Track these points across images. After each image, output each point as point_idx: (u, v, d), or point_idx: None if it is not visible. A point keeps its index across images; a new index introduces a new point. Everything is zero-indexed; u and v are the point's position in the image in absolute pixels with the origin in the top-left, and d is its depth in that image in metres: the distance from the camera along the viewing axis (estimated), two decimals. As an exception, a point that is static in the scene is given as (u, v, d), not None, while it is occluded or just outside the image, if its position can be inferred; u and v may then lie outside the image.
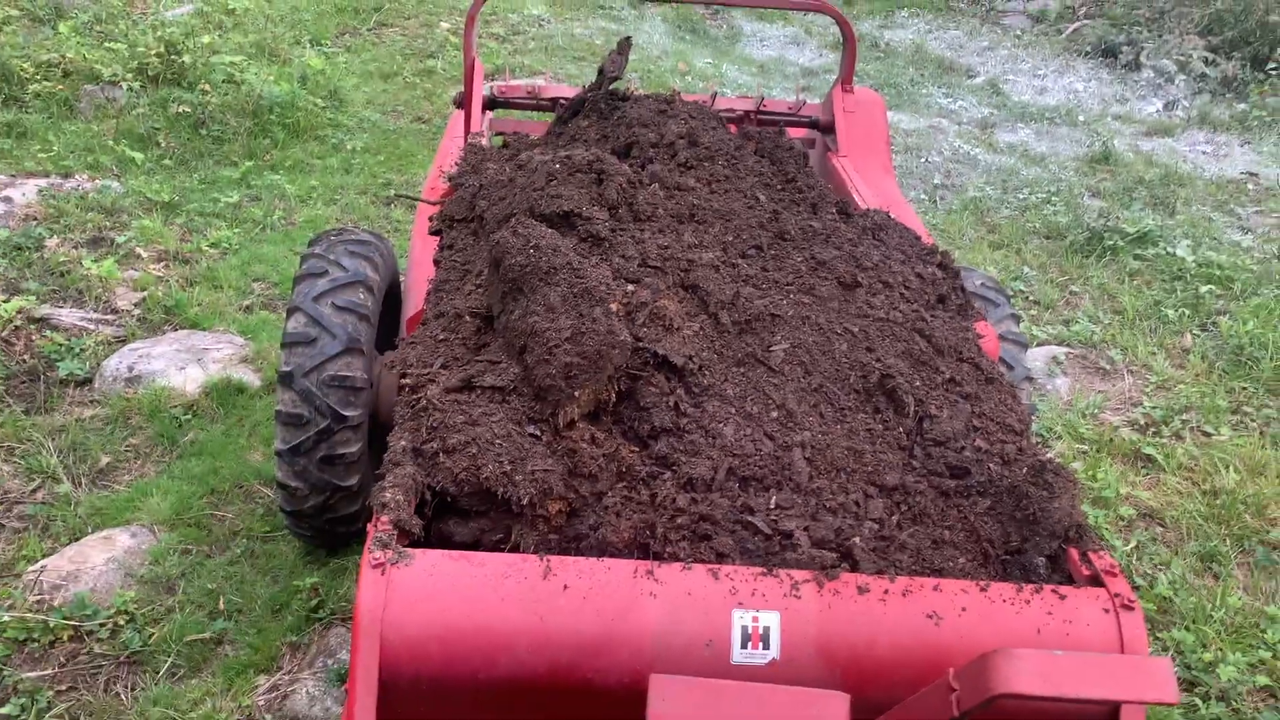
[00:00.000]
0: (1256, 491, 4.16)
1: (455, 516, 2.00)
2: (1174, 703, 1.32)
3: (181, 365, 4.44)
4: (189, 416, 4.21)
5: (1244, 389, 5.01)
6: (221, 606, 3.32)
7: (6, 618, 3.15)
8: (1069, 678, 1.27)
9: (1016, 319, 3.50)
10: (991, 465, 2.14)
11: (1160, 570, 3.78)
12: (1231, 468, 4.31)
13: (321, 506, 3.18)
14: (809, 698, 1.05)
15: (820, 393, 2.22)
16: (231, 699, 2.98)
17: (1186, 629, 3.47)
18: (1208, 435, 4.65)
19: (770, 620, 1.81)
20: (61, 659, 3.10)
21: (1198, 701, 3.18)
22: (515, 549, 1.93)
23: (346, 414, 2.97)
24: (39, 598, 3.26)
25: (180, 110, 6.67)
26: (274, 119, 6.89)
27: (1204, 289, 5.89)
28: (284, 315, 3.12)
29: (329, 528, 3.30)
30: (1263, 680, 3.29)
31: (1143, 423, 4.75)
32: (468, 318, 2.31)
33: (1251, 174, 8.14)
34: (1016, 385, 2.80)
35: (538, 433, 2.01)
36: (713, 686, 1.08)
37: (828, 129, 4.04)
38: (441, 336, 2.28)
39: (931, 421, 2.20)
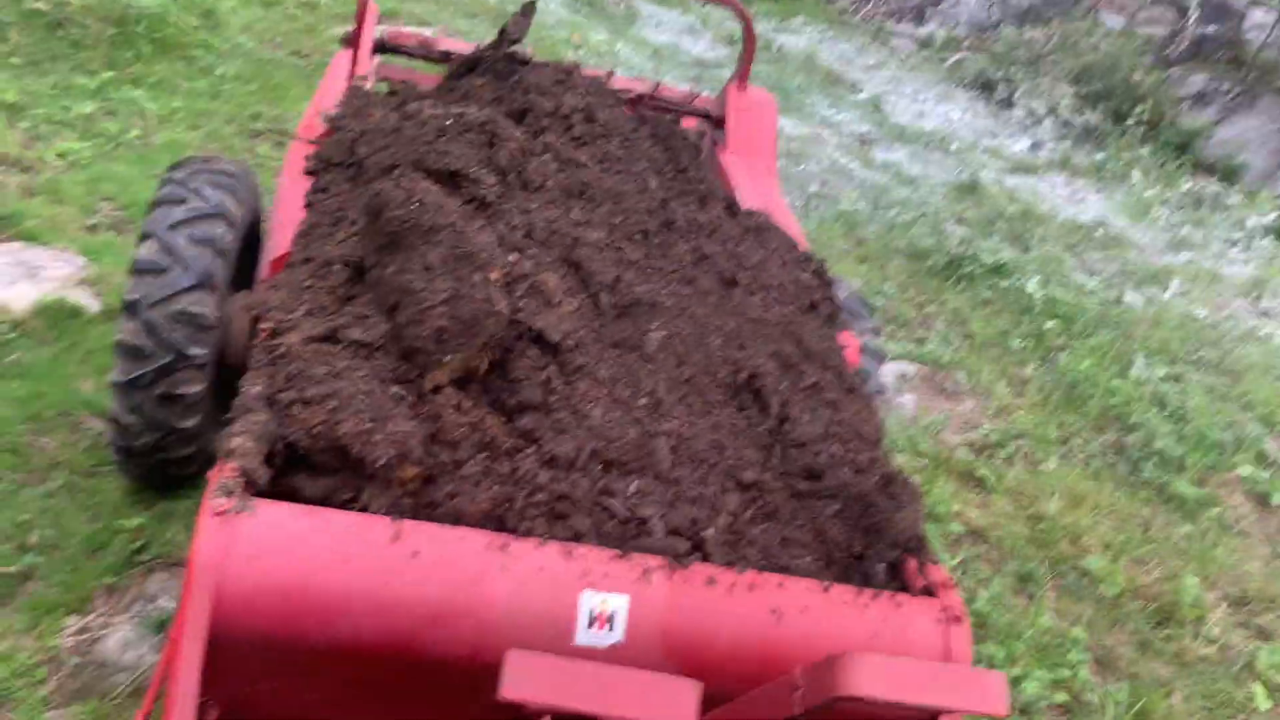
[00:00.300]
0: (1075, 520, 4.42)
1: (305, 472, 1.92)
2: (1003, 715, 1.38)
3: (11, 280, 4.14)
4: (14, 335, 3.93)
5: (1073, 423, 5.31)
6: (33, 540, 3.11)
7: None
8: (910, 684, 1.31)
9: (877, 332, 3.61)
10: (844, 472, 2.19)
11: (981, 586, 3.97)
12: (1055, 495, 4.57)
13: (155, 445, 3.02)
14: (663, 683, 1.05)
15: (690, 384, 2.24)
16: (35, 638, 2.80)
17: (999, 644, 3.66)
18: (1037, 463, 4.91)
19: (618, 604, 1.81)
20: None
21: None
22: (364, 511, 1.87)
23: (191, 352, 2.83)
24: None
25: (35, 7, 6.21)
26: (140, 31, 6.49)
27: (1048, 324, 6.21)
28: (134, 240, 2.94)
29: (161, 468, 3.14)
30: (1061, 697, 3.50)
31: (979, 445, 4.97)
32: (338, 266, 2.22)
33: (1100, 222, 8.62)
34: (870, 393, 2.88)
35: (402, 393, 1.95)
36: (569, 665, 1.07)
37: (719, 123, 4.07)
38: (307, 283, 2.19)
39: (793, 424, 2.24)
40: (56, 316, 4.04)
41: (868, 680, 1.17)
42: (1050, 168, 9.80)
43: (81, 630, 2.87)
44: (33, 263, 4.27)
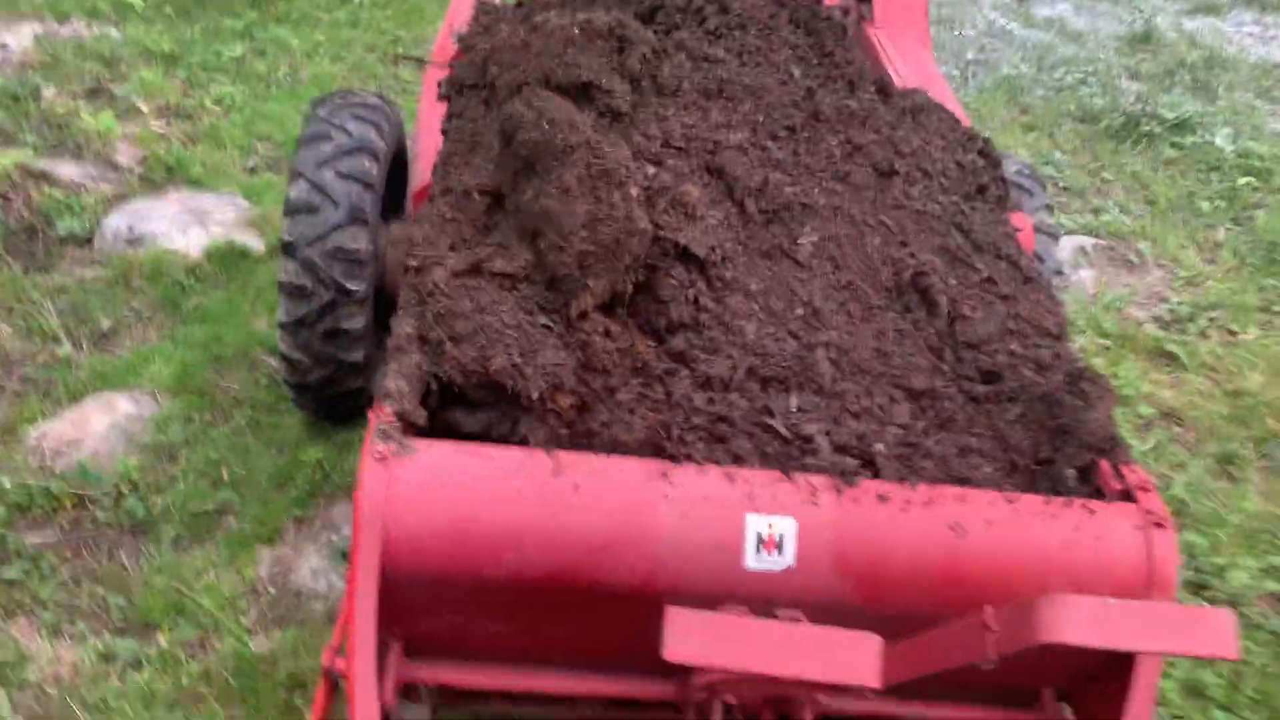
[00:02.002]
0: (1280, 394, 4.07)
1: (462, 407, 1.91)
2: (1235, 659, 1.24)
3: (184, 227, 4.31)
4: (191, 281, 4.11)
5: (1275, 287, 4.86)
6: (225, 477, 3.28)
7: (8, 484, 3.12)
8: (1121, 628, 1.20)
9: (1050, 209, 3.35)
10: (1025, 371, 2.04)
11: (1176, 472, 3.72)
12: (1258, 368, 4.21)
13: (325, 380, 3.11)
14: (838, 638, 0.97)
15: (849, 290, 2.11)
16: (234, 571, 2.97)
17: (1200, 532, 3.43)
18: (1234, 334, 4.53)
19: (786, 527, 1.74)
20: (64, 525, 3.08)
21: (1206, 605, 3.15)
22: (523, 443, 1.85)
23: (351, 287, 2.87)
24: (41, 464, 3.22)
25: (179, -45, 6.35)
26: (278, -33, 6.57)
27: (1241, 181, 5.67)
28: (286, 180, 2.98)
29: (333, 402, 3.23)
30: (1272, 586, 3.26)
31: (1168, 319, 4.62)
32: (476, 196, 2.17)
33: (1299, 59, 7.77)
34: (1048, 280, 2.68)
35: (549, 323, 1.91)
36: (734, 623, 1.01)
37: (863, -3, 3.80)
38: (449, 215, 2.16)
39: (965, 323, 2.08)
40: (227, 259, 4.20)
41: (1073, 626, 1.06)
42: (1236, 4, 8.87)
43: (275, 561, 3.02)
44: (201, 208, 4.44)
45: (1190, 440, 3.91)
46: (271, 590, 2.93)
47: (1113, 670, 1.95)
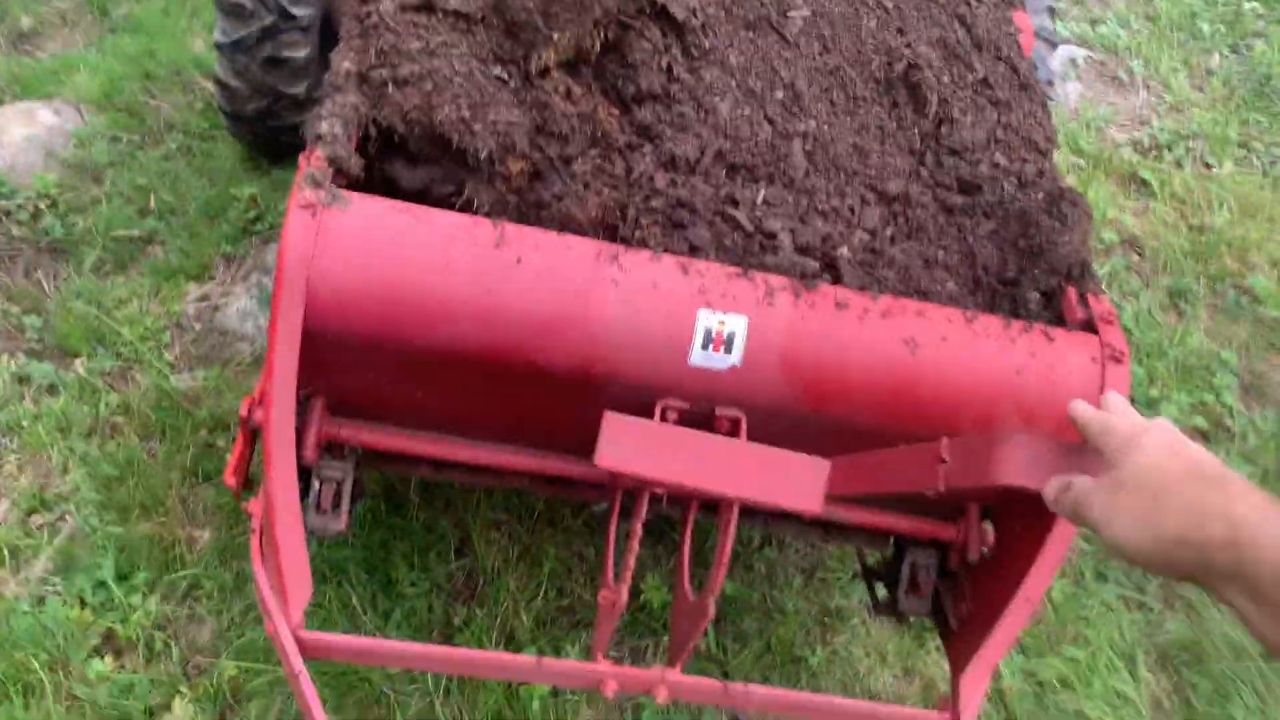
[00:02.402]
0: (1243, 234, 4.02)
1: (403, 159, 1.76)
2: None
3: (114, -78, 3.90)
4: (122, -16, 3.76)
5: (1259, 122, 4.73)
6: (152, 205, 3.10)
7: (-87, 186, 2.91)
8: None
9: (1052, 13, 3.13)
10: (1006, 185, 1.92)
11: (1128, 301, 3.70)
12: (1225, 205, 4.14)
13: (264, 112, 2.90)
14: (784, 461, 0.90)
15: (835, 76, 1.94)
16: (159, 303, 2.84)
17: (1139, 362, 3.45)
18: (1209, 167, 4.43)
19: (737, 325, 1.66)
20: (-24, 237, 2.90)
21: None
22: (468, 206, 1.71)
23: (294, 11, 2.62)
24: (-51, 169, 3.00)
25: None
26: None
27: (1247, 6, 5.41)
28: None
29: (271, 135, 3.03)
30: (1199, 422, 3.32)
31: (1146, 144, 4.49)
32: (438, -80, 1.92)
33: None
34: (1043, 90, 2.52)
35: (504, 76, 1.73)
36: (673, 434, 0.93)
37: None
38: (405, -61, 1.91)
39: (952, 126, 1.95)
40: (162, -36, 3.83)
41: (1026, 470, 1.01)
42: None
43: (202, 298, 2.90)
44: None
45: (1147, 271, 3.88)
46: (196, 327, 2.83)
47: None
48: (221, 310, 2.88)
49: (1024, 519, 1.99)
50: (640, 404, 1.74)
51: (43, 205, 3.01)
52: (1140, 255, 3.94)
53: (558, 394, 1.73)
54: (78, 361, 2.68)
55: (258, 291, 2.92)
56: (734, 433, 1.48)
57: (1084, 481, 0.92)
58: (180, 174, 3.21)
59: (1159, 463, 0.88)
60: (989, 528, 2.08)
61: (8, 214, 2.96)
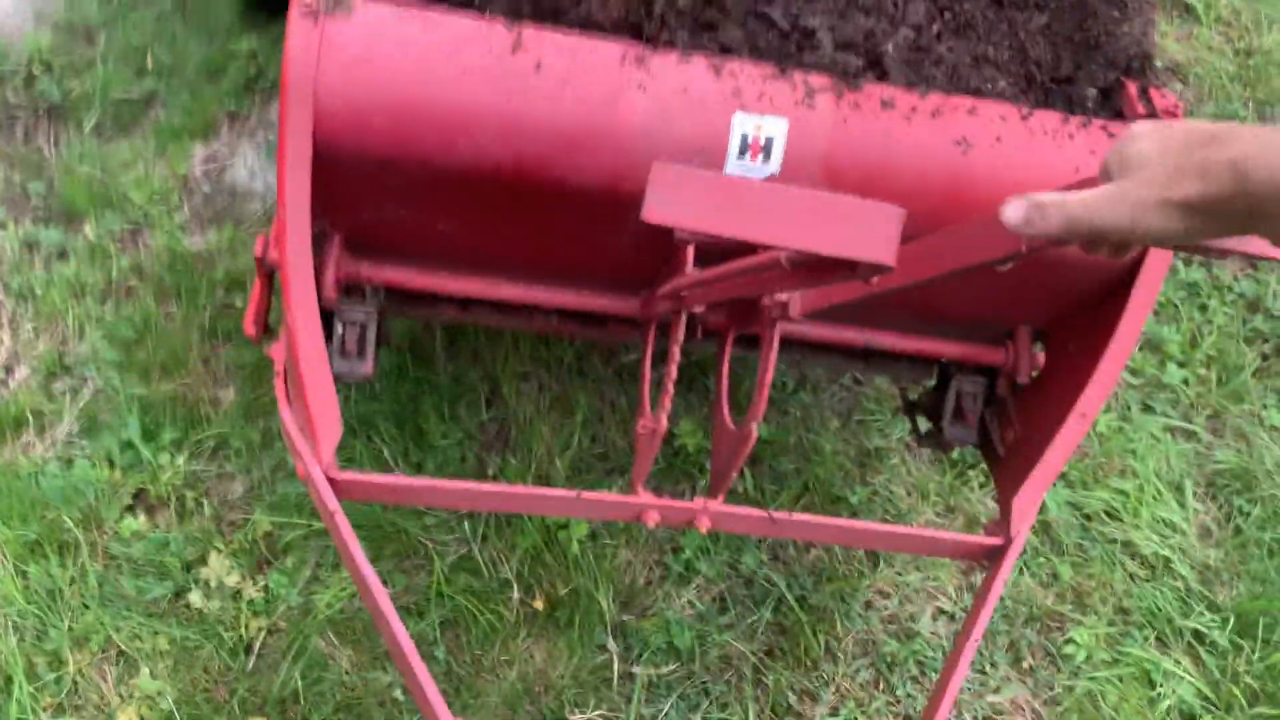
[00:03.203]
0: (1294, 56, 3.81)
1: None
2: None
3: None
4: None
5: (1309, -60, 4.45)
6: (149, 64, 2.96)
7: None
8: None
9: None
10: (1059, -26, 1.77)
11: (1171, 129, 3.53)
12: (1274, 27, 3.92)
13: (258, -41, 2.75)
14: (852, 206, 0.80)
15: None
16: (164, 164, 2.74)
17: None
18: (1257, -12, 4.19)
19: (775, 129, 1.54)
20: (-30, 99, 2.79)
21: (1178, 265, 3.08)
22: (481, 8, 1.59)
23: None
24: (-65, 31, 2.87)
25: None
26: None
27: None
28: None
29: (268, -14, 2.87)
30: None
31: (1190, -33, 4.24)
32: None
33: None
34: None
35: None
36: (731, 183, 0.83)
37: None
38: None
39: (1000, -89, 1.78)
40: None
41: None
42: None
43: (209, 158, 2.79)
44: None
45: (1191, 99, 3.69)
46: (205, 187, 2.73)
47: (1094, 310, 1.86)
48: (229, 169, 2.78)
49: (1078, 337, 1.90)
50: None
51: (37, 69, 2.88)
52: (1185, 83, 3.75)
53: (585, 215, 1.64)
54: (86, 226, 2.59)
55: (265, 148, 2.81)
56: (772, 274, 1.38)
57: (1078, 194, 0.82)
58: (176, 33, 3.06)
59: (1151, 143, 0.79)
60: (1041, 350, 2.00)
61: (1, 79, 2.84)
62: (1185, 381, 2.80)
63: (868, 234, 0.80)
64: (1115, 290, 1.81)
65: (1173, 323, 2.90)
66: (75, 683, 1.97)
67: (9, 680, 1.94)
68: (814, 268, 0.92)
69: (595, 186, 1.57)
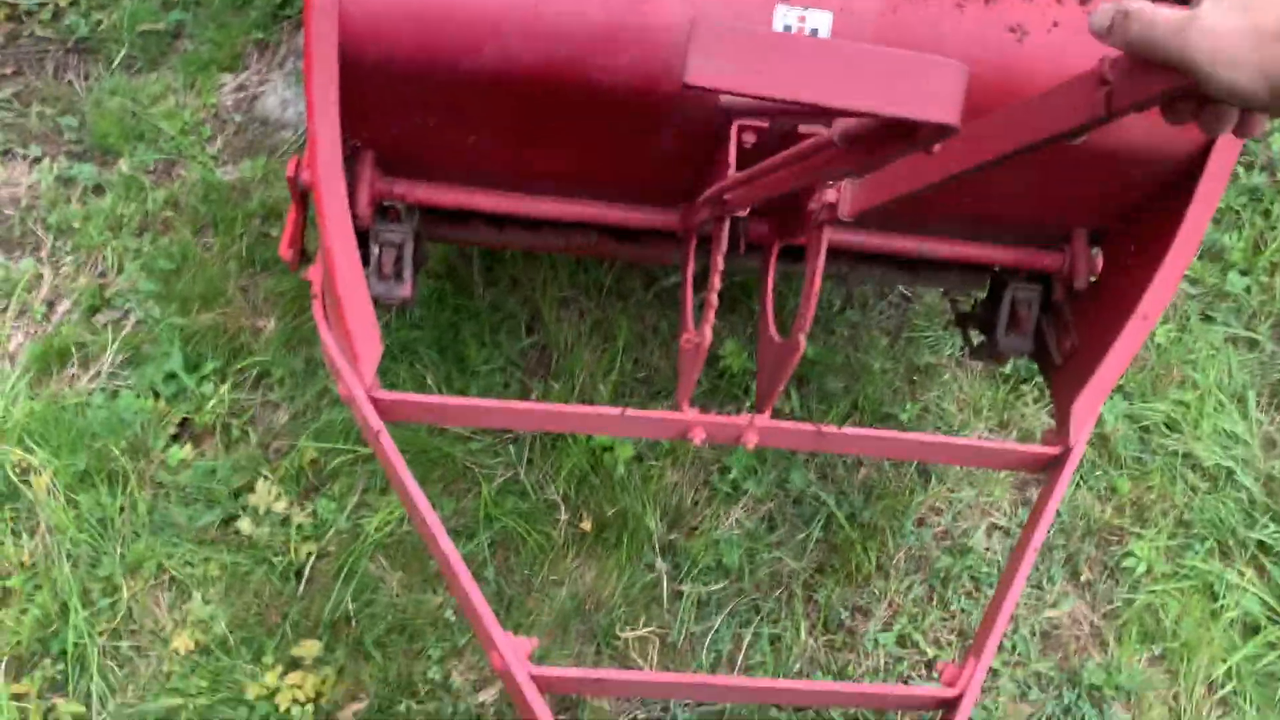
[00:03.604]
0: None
1: None
2: None
3: None
4: None
5: None
6: (175, -5, 2.92)
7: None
8: None
9: None
10: None
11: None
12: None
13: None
14: (914, 64, 0.74)
15: None
16: (195, 96, 2.71)
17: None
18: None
19: (819, 21, 1.48)
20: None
21: (1239, 170, 2.96)
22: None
23: None
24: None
25: None
26: None
27: None
28: None
29: (290, -92, 2.81)
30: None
31: None
32: None
33: None
34: None
35: None
36: (779, 40, 0.77)
37: None
38: None
39: None
40: None
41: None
42: None
43: (239, 88, 2.75)
44: None
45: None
46: (237, 118, 2.69)
47: (1155, 211, 1.79)
48: (260, 99, 2.74)
49: (1138, 239, 1.83)
50: (712, 126, 1.58)
51: (64, 3, 2.85)
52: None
53: (619, 120, 1.58)
54: (120, 160, 2.58)
55: (295, 77, 2.77)
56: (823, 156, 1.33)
57: (1174, 13, 0.73)
58: (201, -38, 3.01)
59: None
60: (1099, 254, 1.93)
61: (29, 14, 2.81)
62: (1248, 289, 2.70)
63: (929, 92, 0.74)
64: (1177, 189, 1.73)
65: (1234, 229, 2.79)
66: (130, 609, 1.99)
67: (65, 607, 1.96)
68: (870, 141, 0.86)
69: (629, 88, 1.51)
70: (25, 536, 2.04)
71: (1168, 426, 2.46)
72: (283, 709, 1.91)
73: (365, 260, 1.78)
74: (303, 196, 1.76)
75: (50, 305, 2.36)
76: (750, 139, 1.58)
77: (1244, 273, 2.71)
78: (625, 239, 1.98)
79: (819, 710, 2.03)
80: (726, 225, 1.63)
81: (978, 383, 2.50)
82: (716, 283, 1.66)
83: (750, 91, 0.73)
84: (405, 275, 1.84)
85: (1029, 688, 2.12)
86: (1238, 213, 2.83)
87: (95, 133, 2.62)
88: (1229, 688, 2.15)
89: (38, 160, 2.57)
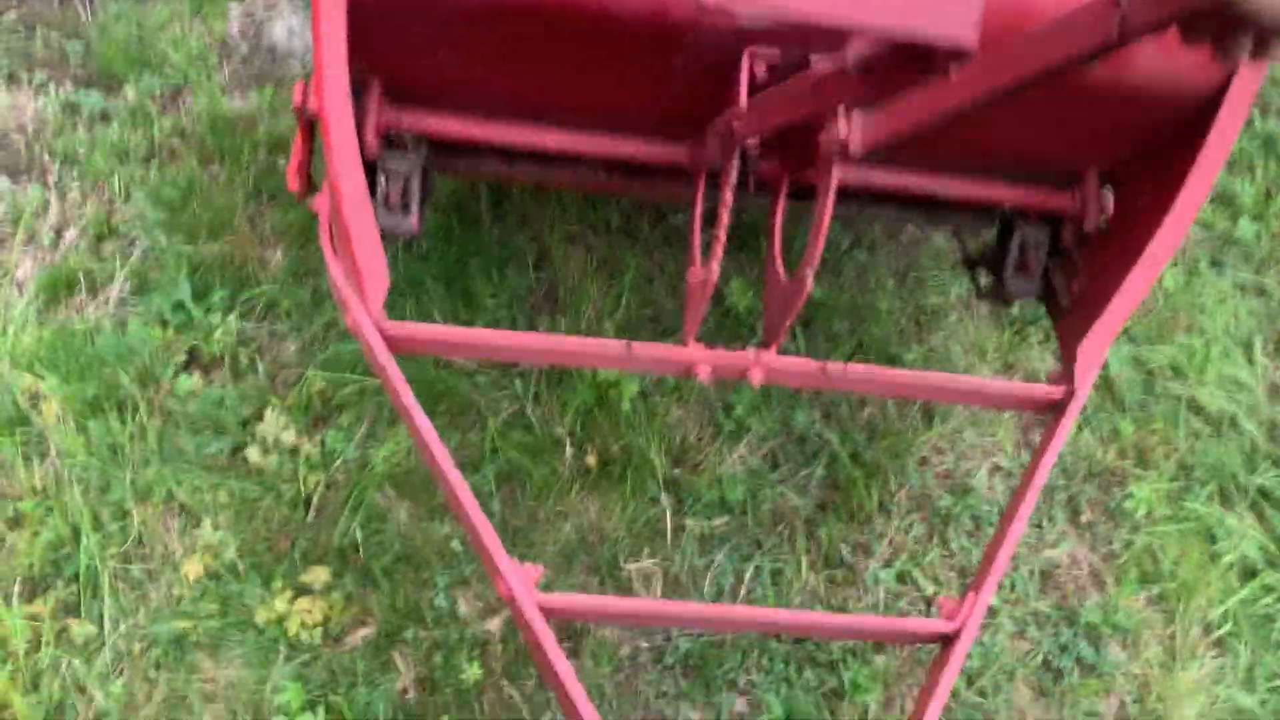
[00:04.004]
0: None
1: None
2: None
3: None
4: None
5: None
6: (181, -80, 2.87)
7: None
8: None
9: None
10: None
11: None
12: None
13: None
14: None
15: None
16: (202, 23, 2.68)
17: None
18: None
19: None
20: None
21: (1253, 115, 2.92)
22: None
23: None
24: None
25: None
26: None
27: None
28: None
29: None
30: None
31: None
32: None
33: None
34: None
35: None
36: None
37: None
38: None
39: None
40: None
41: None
42: None
43: (246, 15, 2.72)
44: None
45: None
46: (244, 47, 2.67)
47: (1167, 152, 1.77)
48: (267, 28, 2.71)
49: (1149, 181, 1.81)
50: (724, 54, 1.57)
51: (67, -73, 2.81)
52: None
53: (629, 49, 1.57)
54: (125, 87, 2.56)
55: (303, 6, 2.74)
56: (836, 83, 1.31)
57: None
58: (206, -114, 2.96)
59: None
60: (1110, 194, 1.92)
61: (33, -62, 2.77)
62: (1257, 236, 2.69)
63: (946, 13, 0.73)
64: (1191, 129, 1.71)
65: (1247, 175, 2.77)
66: (140, 534, 2.01)
67: (76, 531, 1.99)
68: (883, 67, 0.85)
69: (640, 13, 1.50)
70: (36, 461, 2.06)
71: (1173, 371, 2.46)
72: (291, 633, 1.94)
73: (372, 191, 1.78)
74: (309, 125, 1.75)
75: (58, 233, 2.36)
76: (761, 71, 1.56)
77: (1255, 218, 2.70)
78: (635, 175, 1.97)
79: (818, 643, 2.06)
80: (736, 159, 1.62)
81: (984, 325, 2.50)
82: (725, 217, 1.65)
83: (765, 10, 0.72)
84: (412, 208, 1.84)
85: (1027, 625, 2.15)
86: (1251, 158, 2.81)
87: (101, 59, 2.60)
88: (1225, 629, 2.18)
89: (43, 86, 2.55)
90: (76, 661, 1.89)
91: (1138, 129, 1.77)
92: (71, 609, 1.96)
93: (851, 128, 1.44)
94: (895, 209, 2.05)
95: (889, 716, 2.01)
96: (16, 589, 1.95)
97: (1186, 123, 1.71)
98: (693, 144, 1.82)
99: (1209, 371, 2.46)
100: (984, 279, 2.15)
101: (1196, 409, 2.42)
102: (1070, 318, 1.93)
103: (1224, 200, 2.74)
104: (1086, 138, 1.82)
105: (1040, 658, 2.12)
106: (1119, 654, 2.14)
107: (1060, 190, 1.93)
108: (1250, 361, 2.50)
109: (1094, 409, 2.39)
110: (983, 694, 2.07)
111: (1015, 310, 2.49)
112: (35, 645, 1.91)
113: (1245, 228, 2.68)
